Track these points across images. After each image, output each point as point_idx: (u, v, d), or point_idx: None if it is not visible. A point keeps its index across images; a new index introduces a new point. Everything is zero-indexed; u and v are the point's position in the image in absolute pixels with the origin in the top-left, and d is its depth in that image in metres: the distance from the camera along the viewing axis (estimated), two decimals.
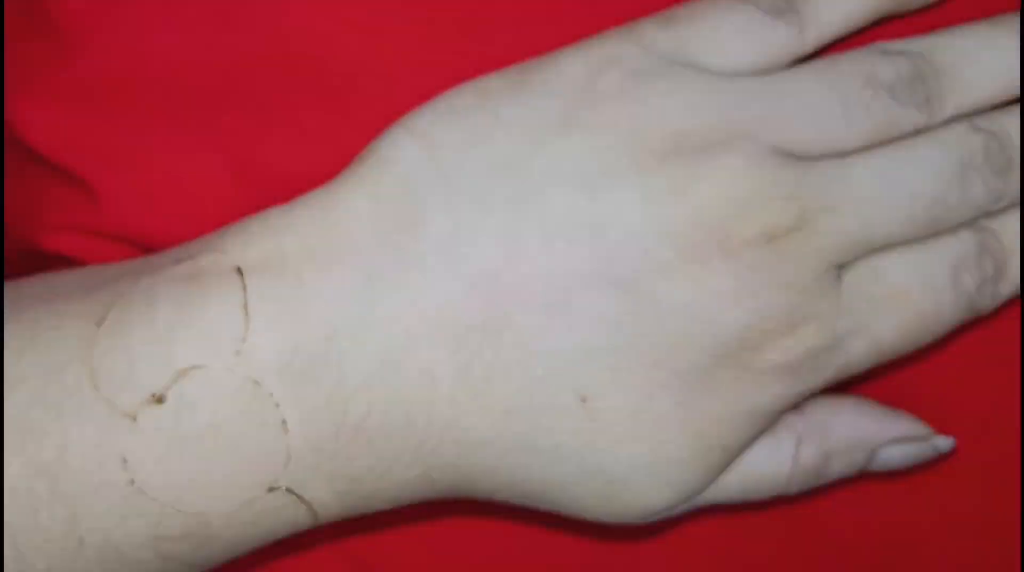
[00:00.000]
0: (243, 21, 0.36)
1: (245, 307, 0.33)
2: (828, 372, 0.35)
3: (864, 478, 0.40)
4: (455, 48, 0.36)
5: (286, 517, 0.34)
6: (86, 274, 0.36)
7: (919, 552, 0.43)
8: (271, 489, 0.33)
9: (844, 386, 0.39)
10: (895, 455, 0.38)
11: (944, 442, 0.38)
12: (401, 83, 0.36)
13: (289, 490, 0.34)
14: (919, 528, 0.43)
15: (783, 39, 0.34)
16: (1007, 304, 0.37)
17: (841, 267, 0.34)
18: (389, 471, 0.34)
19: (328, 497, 0.34)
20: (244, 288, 0.33)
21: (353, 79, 0.36)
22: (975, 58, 0.35)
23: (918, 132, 0.35)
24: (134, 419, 0.32)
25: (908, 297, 0.35)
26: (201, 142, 0.37)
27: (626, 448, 0.34)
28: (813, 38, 0.35)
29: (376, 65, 0.36)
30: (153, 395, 0.32)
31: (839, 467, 0.38)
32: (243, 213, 0.37)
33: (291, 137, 0.37)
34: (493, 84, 0.35)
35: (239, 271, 0.33)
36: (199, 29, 0.36)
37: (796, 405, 0.37)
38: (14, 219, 0.41)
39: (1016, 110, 0.35)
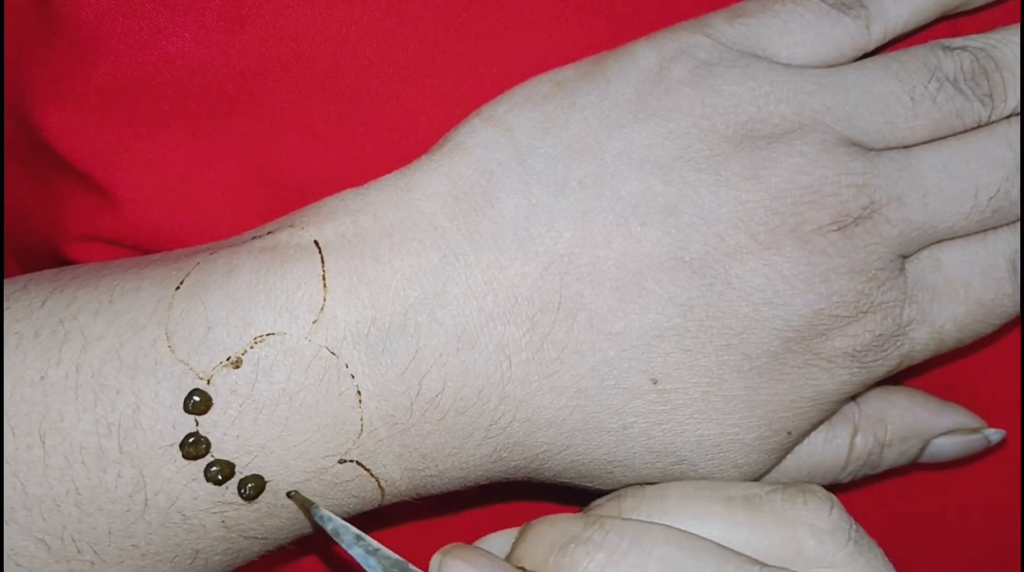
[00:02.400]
0: (255, 26, 0.36)
1: (323, 278, 0.33)
2: (892, 361, 0.35)
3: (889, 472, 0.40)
4: (464, 50, 0.37)
5: (354, 491, 0.34)
6: (165, 253, 0.36)
7: (940, 543, 0.43)
8: (342, 461, 0.33)
9: (894, 380, 0.40)
10: (948, 446, 0.38)
11: (995, 434, 0.39)
12: (411, 85, 0.37)
13: (359, 463, 0.34)
14: (939, 520, 0.43)
15: (850, 33, 0.35)
16: None
17: (905, 257, 0.35)
18: (460, 449, 0.34)
19: (397, 473, 0.34)
20: (322, 261, 0.33)
21: (364, 81, 0.37)
22: None
23: (979, 126, 0.35)
24: (209, 382, 0.32)
25: (969, 288, 0.35)
26: (216, 145, 0.37)
27: (695, 429, 0.34)
28: (879, 33, 0.36)
29: (386, 67, 0.37)
30: (229, 359, 0.32)
31: (893, 457, 0.38)
32: (258, 216, 0.37)
33: (304, 139, 0.37)
34: (568, 74, 0.35)
35: (317, 245, 0.34)
36: (212, 34, 0.36)
37: (853, 395, 0.38)
38: (39, 227, 0.41)
39: None
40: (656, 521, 0.32)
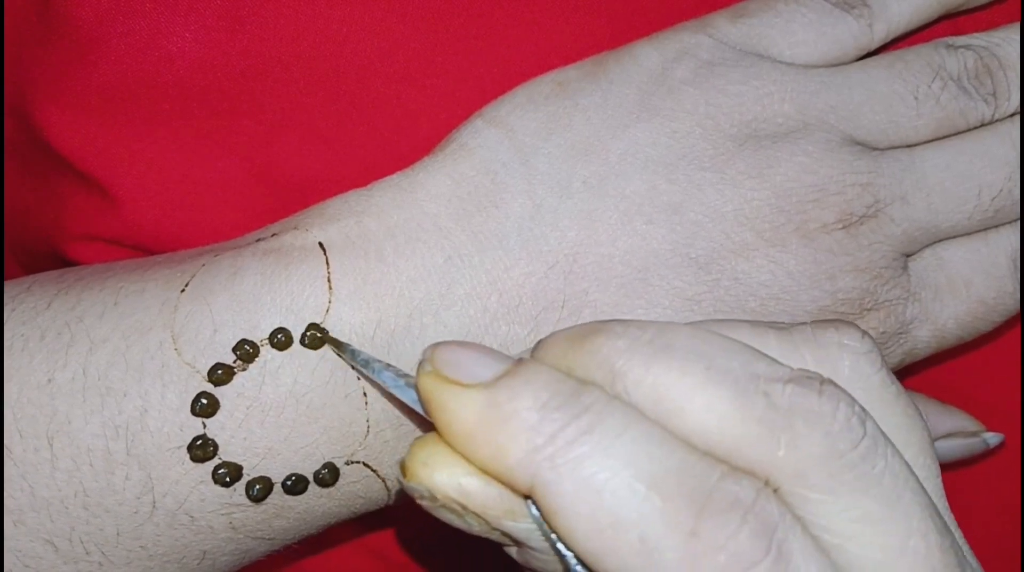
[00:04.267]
0: (255, 26, 0.36)
1: (328, 280, 0.33)
2: (894, 358, 0.35)
3: None
4: (464, 50, 0.37)
5: (361, 491, 0.34)
6: (169, 255, 0.36)
7: None
8: (349, 462, 0.33)
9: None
10: (947, 449, 0.39)
11: (994, 437, 0.39)
12: (411, 85, 0.37)
13: (366, 464, 0.34)
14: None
15: (853, 32, 0.35)
16: None
17: (908, 256, 0.35)
18: None
19: None
20: (327, 262, 0.33)
21: (364, 81, 0.37)
22: None
23: (983, 124, 0.36)
24: (216, 385, 0.32)
25: (971, 286, 0.36)
26: (216, 145, 0.37)
27: None
28: (882, 32, 0.36)
29: (386, 67, 0.37)
30: (235, 361, 0.32)
31: None
32: (259, 215, 0.37)
33: (305, 139, 0.37)
34: (571, 74, 0.35)
35: (322, 247, 0.34)
36: (213, 34, 0.36)
37: None
38: (39, 226, 0.41)
39: None
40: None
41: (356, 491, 0.34)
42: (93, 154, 0.38)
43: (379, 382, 0.30)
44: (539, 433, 0.24)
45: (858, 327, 0.28)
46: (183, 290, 0.33)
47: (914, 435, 0.26)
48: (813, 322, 0.28)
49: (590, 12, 0.37)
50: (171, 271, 0.34)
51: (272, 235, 0.35)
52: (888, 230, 0.34)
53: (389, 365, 0.30)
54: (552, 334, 0.27)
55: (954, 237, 0.36)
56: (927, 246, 0.36)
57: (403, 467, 0.26)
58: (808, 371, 0.25)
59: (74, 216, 0.39)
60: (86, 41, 0.36)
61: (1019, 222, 0.36)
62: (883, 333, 0.35)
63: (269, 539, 0.35)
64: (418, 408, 0.27)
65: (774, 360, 0.26)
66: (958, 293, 0.36)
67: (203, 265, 0.34)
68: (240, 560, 0.35)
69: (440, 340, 0.33)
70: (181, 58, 0.36)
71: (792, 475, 0.24)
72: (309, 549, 0.42)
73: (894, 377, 0.27)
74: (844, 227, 0.34)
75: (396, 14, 0.36)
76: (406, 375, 0.29)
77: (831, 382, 0.25)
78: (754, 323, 0.28)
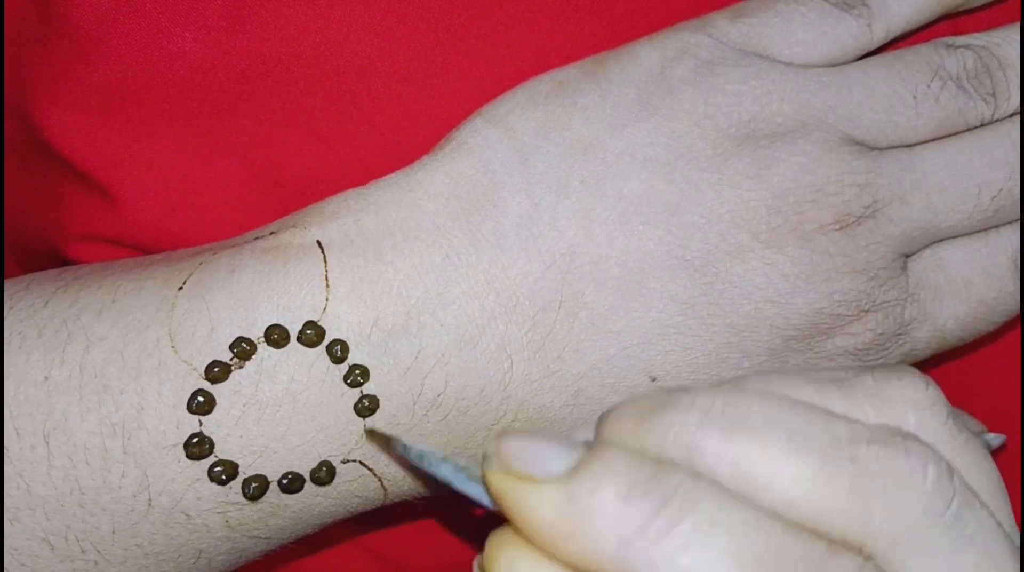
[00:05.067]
0: (256, 26, 0.36)
1: (326, 278, 0.33)
2: (893, 360, 0.35)
3: None
4: (464, 50, 0.37)
5: (357, 490, 0.34)
6: (167, 253, 0.36)
7: None
8: (345, 461, 0.33)
9: None
10: None
11: (996, 438, 0.39)
12: (411, 85, 0.37)
13: (362, 463, 0.34)
14: None
15: (852, 32, 0.35)
16: None
17: (907, 257, 0.35)
18: (462, 448, 0.34)
19: (400, 473, 0.34)
20: (325, 260, 0.33)
21: (364, 81, 0.37)
22: None
23: (982, 124, 0.35)
24: (213, 382, 0.32)
25: (971, 286, 0.35)
26: (216, 145, 0.37)
27: None
28: (881, 32, 0.36)
29: (386, 67, 0.37)
30: (232, 359, 0.33)
31: None
32: (259, 215, 0.37)
33: (305, 139, 0.37)
34: (570, 74, 0.35)
35: (320, 245, 0.34)
36: (213, 34, 0.36)
37: None
38: (39, 226, 0.41)
39: None
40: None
41: (352, 490, 0.34)
42: (93, 154, 0.38)
43: (437, 476, 0.29)
44: (628, 524, 0.23)
45: (921, 376, 0.27)
46: (181, 288, 0.33)
47: (989, 479, 0.26)
48: (875, 372, 0.27)
49: (590, 12, 0.37)
50: (169, 269, 0.34)
51: (271, 233, 0.35)
52: (887, 230, 0.34)
53: (446, 457, 0.29)
54: (615, 410, 0.26)
55: (954, 237, 0.35)
56: (926, 246, 0.35)
57: (483, 569, 0.25)
58: (889, 427, 0.25)
59: (74, 216, 0.39)
60: (86, 41, 0.36)
61: (1019, 222, 0.36)
62: (881, 334, 0.34)
63: (265, 538, 0.35)
64: (486, 502, 0.26)
65: (851, 419, 0.25)
66: (958, 293, 0.35)
67: (201, 263, 0.34)
68: (236, 559, 0.35)
69: (438, 339, 0.33)
70: (181, 58, 0.36)
71: (889, 541, 0.24)
72: (306, 548, 0.42)
73: (960, 423, 0.27)
74: (842, 228, 0.34)
75: (396, 14, 0.36)
76: (465, 467, 0.28)
77: (914, 438, 0.25)
78: (812, 377, 0.27)
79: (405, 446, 0.31)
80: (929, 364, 0.40)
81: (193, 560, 0.34)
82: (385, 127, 0.37)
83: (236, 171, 0.38)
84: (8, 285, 0.35)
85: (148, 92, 0.37)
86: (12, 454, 0.32)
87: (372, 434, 0.33)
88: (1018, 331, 0.40)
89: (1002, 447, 0.40)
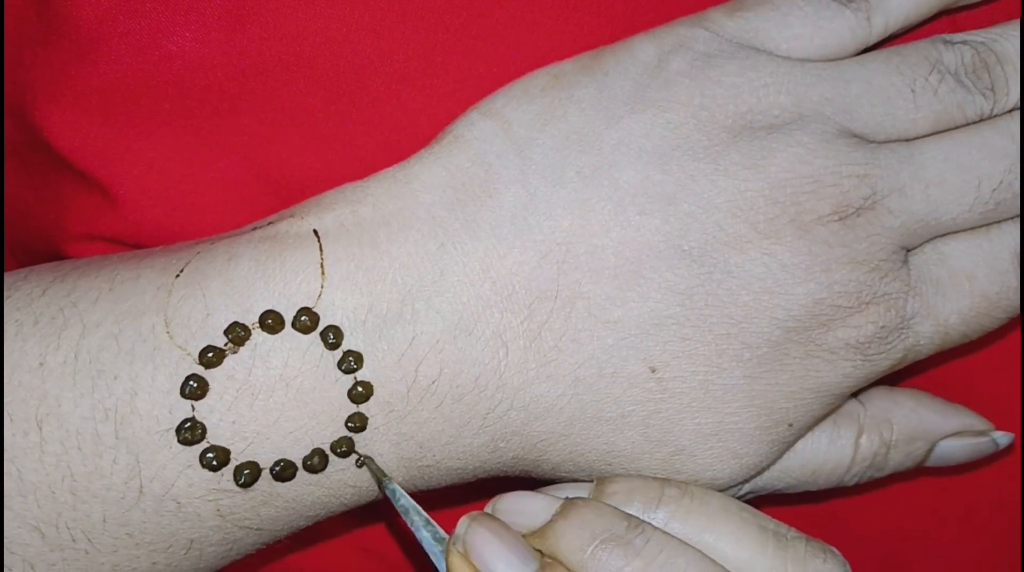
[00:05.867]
0: (255, 25, 0.36)
1: (321, 266, 0.33)
2: (896, 354, 0.35)
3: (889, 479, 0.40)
4: (464, 50, 0.37)
5: (351, 480, 0.34)
6: (166, 246, 0.36)
7: (941, 543, 0.43)
8: (336, 448, 0.33)
9: (895, 379, 0.39)
10: (956, 448, 0.38)
11: (1004, 437, 0.38)
12: (411, 85, 0.37)
13: (355, 452, 0.33)
14: (940, 519, 0.43)
15: (851, 26, 0.35)
16: None
17: (908, 250, 0.35)
18: (457, 437, 0.34)
19: (394, 463, 0.34)
20: (320, 248, 0.33)
21: (364, 81, 0.37)
22: None
23: (982, 119, 0.35)
24: (207, 367, 0.32)
25: (973, 281, 0.35)
26: (216, 145, 0.38)
27: (692, 418, 0.34)
28: (880, 26, 0.36)
29: (386, 67, 0.37)
30: (227, 344, 0.32)
31: (899, 458, 0.38)
32: (259, 215, 0.37)
33: (304, 138, 0.37)
34: (566, 67, 0.36)
35: (316, 234, 0.34)
36: (213, 34, 0.36)
37: (857, 394, 0.37)
38: (39, 226, 0.41)
39: None
40: (697, 529, 0.33)
41: (346, 479, 0.34)
42: (93, 154, 0.38)
43: (415, 534, 0.33)
44: None
45: (844, 565, 0.33)
46: (178, 275, 0.33)
47: None
48: (808, 542, 0.33)
49: (590, 12, 0.37)
50: (167, 259, 0.34)
51: (269, 223, 0.35)
52: (886, 222, 0.34)
53: (429, 522, 0.33)
54: (581, 515, 0.32)
55: (955, 232, 0.35)
56: (928, 241, 0.35)
57: None
58: None
59: (74, 216, 0.39)
60: (86, 41, 0.37)
61: (1021, 218, 0.36)
62: (883, 327, 0.34)
63: (257, 529, 0.34)
64: None
65: None
66: (960, 287, 0.35)
67: (198, 252, 0.34)
68: (228, 552, 0.35)
69: (432, 326, 0.33)
70: (181, 58, 0.37)
71: None
72: (301, 545, 0.42)
73: None
74: (840, 219, 0.33)
75: (396, 14, 0.37)
76: (443, 539, 0.32)
77: None
78: (760, 529, 0.33)
79: (393, 491, 0.33)
80: (930, 364, 0.40)
81: (184, 551, 0.34)
82: (384, 126, 0.37)
83: (236, 171, 0.38)
84: (7, 276, 0.35)
85: (148, 92, 0.37)
86: (5, 440, 0.32)
87: (368, 463, 0.33)
88: (1019, 331, 0.40)
89: (1010, 445, 0.39)
